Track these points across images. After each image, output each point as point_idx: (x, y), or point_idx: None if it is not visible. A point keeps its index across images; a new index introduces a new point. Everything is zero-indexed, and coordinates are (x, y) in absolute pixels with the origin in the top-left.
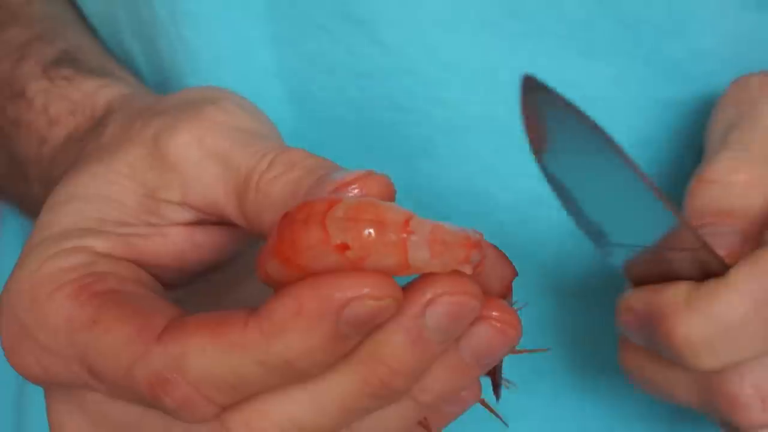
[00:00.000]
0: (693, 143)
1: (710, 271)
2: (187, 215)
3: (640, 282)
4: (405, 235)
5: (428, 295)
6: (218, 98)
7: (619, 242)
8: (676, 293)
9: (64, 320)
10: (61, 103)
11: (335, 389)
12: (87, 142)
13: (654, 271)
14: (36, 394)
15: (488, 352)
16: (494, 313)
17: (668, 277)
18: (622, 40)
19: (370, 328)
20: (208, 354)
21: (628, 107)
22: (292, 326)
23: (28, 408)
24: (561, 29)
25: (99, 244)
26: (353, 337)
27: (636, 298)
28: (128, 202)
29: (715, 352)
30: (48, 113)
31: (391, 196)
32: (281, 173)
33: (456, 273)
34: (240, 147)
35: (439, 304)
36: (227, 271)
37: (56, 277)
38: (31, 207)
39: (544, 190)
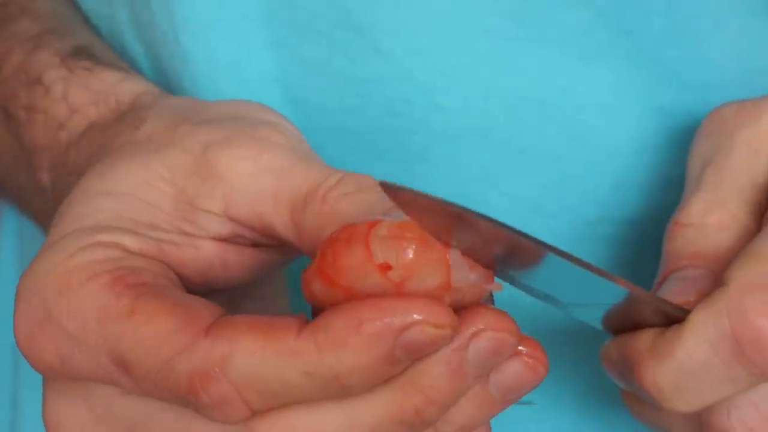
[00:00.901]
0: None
1: (674, 317)
2: (224, 229)
3: (618, 331)
4: (447, 254)
5: (472, 329)
6: (274, 122)
7: (578, 307)
8: (642, 341)
9: (97, 309)
10: (81, 92)
11: (369, 412)
12: (117, 134)
13: (627, 321)
14: (31, 393)
15: (516, 388)
16: (525, 349)
17: (640, 325)
18: (620, 46)
19: (423, 354)
20: (257, 356)
21: (626, 114)
22: (349, 342)
23: (23, 406)
24: (560, 36)
25: (132, 243)
26: (404, 361)
27: (611, 347)
28: (164, 207)
29: (685, 396)
30: (67, 101)
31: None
32: (351, 192)
33: (498, 310)
34: (299, 165)
35: (483, 339)
36: (225, 292)
37: (89, 267)
38: (30, 199)
39: (541, 197)
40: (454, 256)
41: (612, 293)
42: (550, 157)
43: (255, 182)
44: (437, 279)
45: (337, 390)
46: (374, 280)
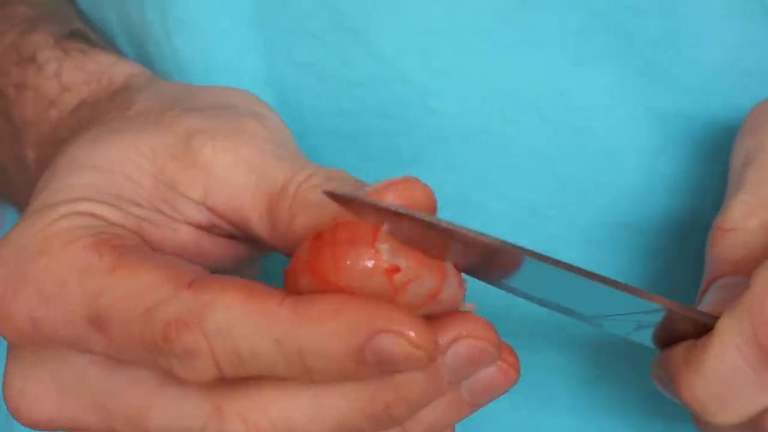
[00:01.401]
0: (686, 153)
1: (709, 327)
2: (202, 217)
3: (664, 345)
4: (444, 266)
5: (453, 334)
6: (260, 114)
7: (605, 320)
8: (678, 354)
9: (78, 268)
10: (75, 73)
11: (338, 401)
12: (106, 112)
13: (669, 334)
14: None
15: (487, 392)
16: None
17: (682, 337)
18: (616, 49)
19: (391, 368)
20: (235, 312)
21: (621, 117)
22: (324, 323)
23: None
24: (555, 38)
25: (114, 216)
26: (371, 367)
27: (655, 363)
28: (145, 185)
29: (724, 406)
30: (60, 79)
31: (432, 208)
32: (320, 183)
33: (479, 318)
34: (278, 160)
35: (462, 346)
36: None
37: (72, 232)
38: (10, 179)
39: (536, 199)
40: (448, 266)
41: (639, 306)
42: (546, 160)
43: (234, 175)
44: (431, 288)
45: (301, 368)
46: (376, 282)
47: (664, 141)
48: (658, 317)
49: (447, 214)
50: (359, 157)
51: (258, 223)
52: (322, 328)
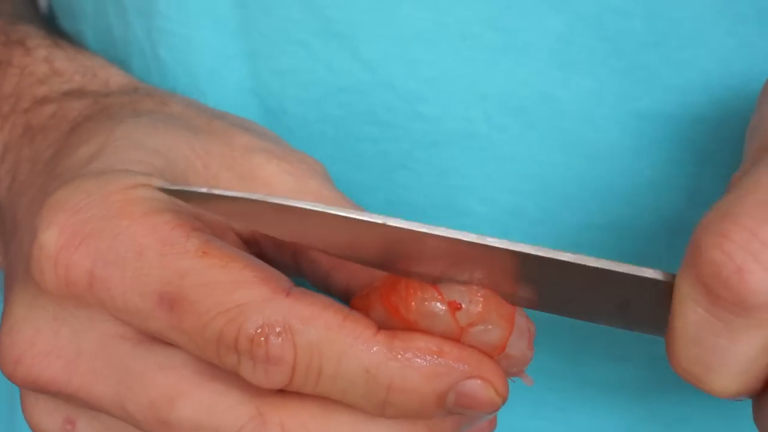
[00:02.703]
0: (673, 156)
1: None
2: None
3: None
4: (513, 314)
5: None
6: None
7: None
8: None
9: (161, 242)
10: (67, 62)
11: (376, 429)
12: (138, 101)
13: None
14: None
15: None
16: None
17: None
18: (601, 52)
19: (462, 411)
20: (331, 333)
21: (607, 119)
22: (420, 363)
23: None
24: (540, 42)
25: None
26: (446, 409)
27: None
28: (196, 184)
29: (711, 368)
30: (51, 64)
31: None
32: None
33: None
34: (345, 199)
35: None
36: None
37: (153, 203)
38: None
39: (523, 203)
40: (519, 319)
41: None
42: (532, 164)
43: (296, 198)
44: (497, 335)
45: (379, 401)
46: (441, 320)
47: (650, 142)
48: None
49: (435, 219)
50: (346, 164)
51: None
52: (417, 368)
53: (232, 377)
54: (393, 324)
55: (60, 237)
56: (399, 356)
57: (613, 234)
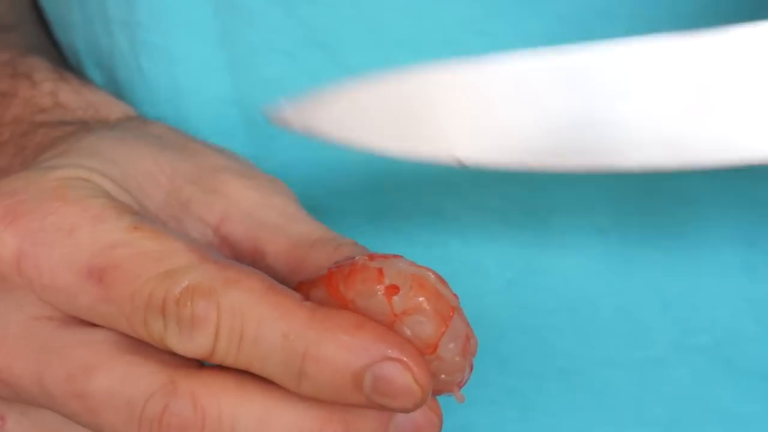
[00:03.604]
0: None
1: None
2: (204, 240)
3: None
4: (451, 314)
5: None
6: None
7: None
8: None
9: (93, 218)
10: (72, 96)
11: (290, 414)
12: (123, 123)
13: None
14: None
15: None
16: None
17: None
18: None
19: (379, 397)
20: (254, 296)
21: None
22: (338, 335)
23: None
24: (524, 47)
25: (126, 200)
26: (358, 391)
27: None
28: (154, 197)
29: None
30: (56, 98)
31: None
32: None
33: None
34: (314, 221)
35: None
36: None
37: (89, 190)
38: None
39: (510, 208)
40: (457, 322)
41: None
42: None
43: (259, 212)
44: (430, 330)
45: (295, 371)
46: (377, 302)
47: None
48: None
49: (420, 226)
50: (331, 172)
51: (274, 258)
52: (335, 338)
53: (152, 351)
54: (331, 303)
55: None
56: (318, 325)
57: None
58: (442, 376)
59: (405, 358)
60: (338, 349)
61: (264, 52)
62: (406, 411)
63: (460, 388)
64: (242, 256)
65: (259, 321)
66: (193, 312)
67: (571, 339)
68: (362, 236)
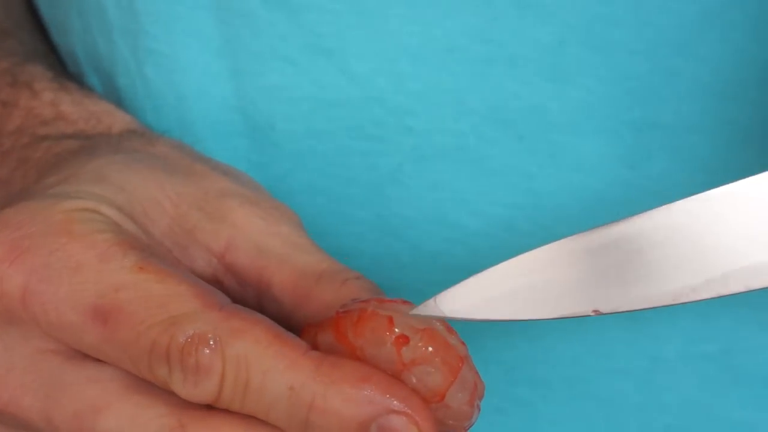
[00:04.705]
0: (665, 166)
1: None
2: (209, 269)
3: None
4: (461, 366)
5: None
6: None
7: None
8: None
9: (99, 258)
10: (73, 107)
11: None
12: (126, 140)
13: None
14: None
15: None
16: None
17: None
18: (591, 63)
19: None
20: (260, 347)
21: (598, 130)
22: (345, 388)
23: None
24: (529, 54)
25: (132, 230)
26: None
27: None
28: (160, 224)
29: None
30: (57, 108)
31: None
32: (370, 290)
33: None
34: (320, 251)
35: None
36: None
37: (95, 224)
38: None
39: (513, 216)
40: (466, 372)
41: None
42: (522, 177)
43: (265, 241)
44: (438, 380)
45: (300, 422)
46: (386, 351)
47: (643, 153)
48: None
49: (425, 231)
50: (336, 178)
51: (279, 290)
52: (341, 391)
53: (159, 392)
54: (339, 350)
55: None
56: (324, 378)
57: None
58: (450, 422)
59: (410, 411)
60: (344, 402)
61: (267, 59)
62: None
63: (467, 429)
64: (248, 285)
65: (264, 372)
66: (198, 361)
67: (577, 347)
68: (365, 243)
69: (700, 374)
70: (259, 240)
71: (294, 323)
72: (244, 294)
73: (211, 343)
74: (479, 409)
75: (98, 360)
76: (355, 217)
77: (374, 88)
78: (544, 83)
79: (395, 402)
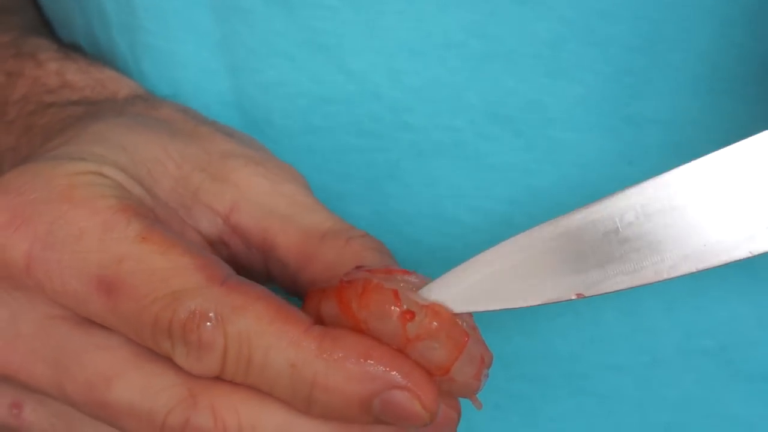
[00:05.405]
0: (664, 161)
1: None
2: (213, 230)
3: None
4: (466, 340)
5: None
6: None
7: None
8: None
9: (101, 227)
10: (79, 75)
11: (309, 425)
12: (130, 105)
13: None
14: None
15: None
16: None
17: None
18: (589, 58)
19: (388, 419)
20: (262, 323)
21: (596, 126)
22: (347, 364)
23: None
24: (527, 49)
25: (136, 191)
26: (368, 414)
27: None
28: (163, 184)
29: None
30: (63, 77)
31: None
32: (375, 248)
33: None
34: (324, 209)
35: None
36: None
37: (98, 189)
38: None
39: (511, 212)
40: (472, 347)
41: None
42: (520, 172)
43: (270, 201)
44: (443, 356)
45: (304, 397)
46: (391, 326)
47: (641, 148)
48: None
49: (423, 227)
50: (333, 175)
51: (285, 250)
52: (343, 368)
53: (168, 361)
54: (342, 321)
55: (0, 218)
56: (325, 355)
57: None
58: (456, 393)
59: (412, 386)
60: (346, 379)
61: (264, 55)
62: (416, 428)
63: (476, 395)
64: (253, 246)
65: (266, 349)
66: (200, 337)
67: (575, 343)
68: None
69: (699, 370)
70: (263, 200)
71: (299, 283)
72: (250, 255)
73: (213, 319)
74: (487, 377)
75: (106, 327)
76: (353, 213)
77: (372, 84)
78: (542, 79)
79: (397, 377)
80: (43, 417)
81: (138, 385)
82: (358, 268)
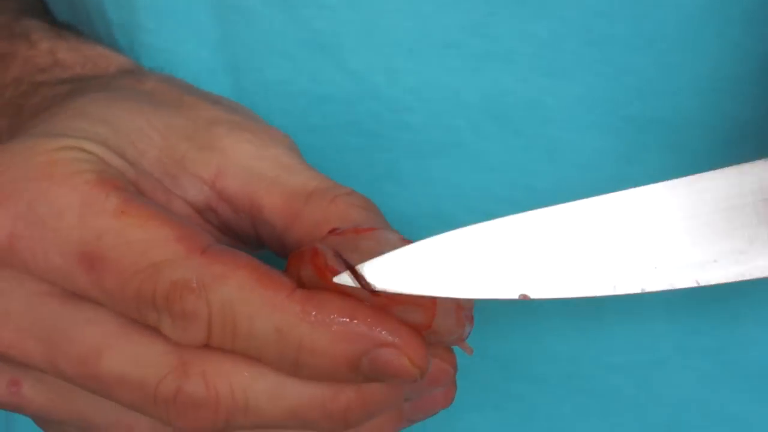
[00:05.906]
0: (664, 161)
1: None
2: (201, 197)
3: None
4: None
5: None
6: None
7: None
8: None
9: (80, 202)
10: (71, 53)
11: (302, 388)
12: (115, 81)
13: None
14: None
15: (428, 410)
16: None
17: None
18: (589, 58)
19: (378, 377)
20: (245, 291)
21: (596, 126)
22: (332, 326)
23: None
24: (526, 49)
25: (116, 163)
26: (357, 373)
27: None
28: (148, 155)
29: None
30: (55, 56)
31: None
32: (361, 206)
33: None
34: (309, 169)
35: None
36: None
37: (76, 164)
38: None
39: (510, 212)
40: (445, 300)
41: None
42: (519, 172)
43: (255, 165)
44: (419, 317)
45: (291, 361)
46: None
47: (641, 148)
48: None
49: (421, 227)
50: (332, 174)
51: (270, 212)
52: (328, 330)
53: (157, 331)
54: (321, 284)
55: None
56: (310, 318)
57: None
58: (445, 341)
59: (400, 342)
60: (331, 340)
61: (263, 54)
62: (408, 383)
63: (465, 338)
64: (241, 211)
65: (250, 316)
66: (184, 308)
67: (574, 343)
68: None
69: (697, 369)
70: (248, 164)
71: (287, 245)
72: (239, 220)
73: (195, 288)
74: (472, 321)
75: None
76: None
77: (371, 84)
78: (541, 78)
79: (384, 334)
80: (41, 393)
81: (128, 357)
82: (331, 231)
